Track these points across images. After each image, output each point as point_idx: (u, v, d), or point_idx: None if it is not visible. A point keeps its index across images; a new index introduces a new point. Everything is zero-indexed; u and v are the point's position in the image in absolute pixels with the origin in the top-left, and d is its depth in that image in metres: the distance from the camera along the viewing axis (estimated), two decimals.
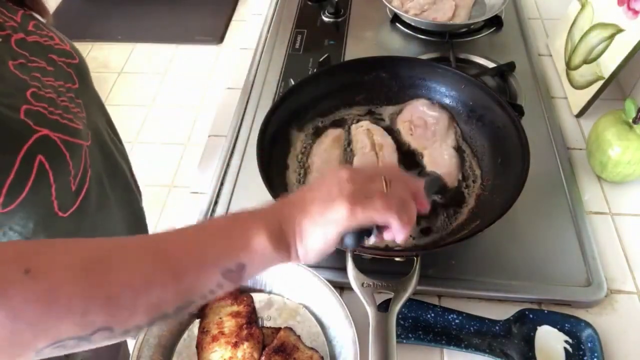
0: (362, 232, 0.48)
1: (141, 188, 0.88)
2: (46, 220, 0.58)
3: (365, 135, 0.82)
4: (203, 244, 0.43)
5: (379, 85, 0.88)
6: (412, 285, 0.60)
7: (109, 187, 0.71)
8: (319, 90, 0.85)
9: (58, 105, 0.58)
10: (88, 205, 0.64)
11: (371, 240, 0.50)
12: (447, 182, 0.75)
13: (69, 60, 0.65)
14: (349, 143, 0.83)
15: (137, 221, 0.84)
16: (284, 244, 0.45)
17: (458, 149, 0.80)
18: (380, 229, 0.49)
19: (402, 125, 0.83)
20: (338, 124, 0.86)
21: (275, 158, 0.77)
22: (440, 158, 0.77)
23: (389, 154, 0.80)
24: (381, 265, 0.65)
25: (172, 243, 0.42)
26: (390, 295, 0.60)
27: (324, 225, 0.46)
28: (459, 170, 0.77)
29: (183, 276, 0.40)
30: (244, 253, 0.43)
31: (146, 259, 0.40)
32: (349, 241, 0.48)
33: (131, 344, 0.82)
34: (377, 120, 0.87)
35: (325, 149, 0.80)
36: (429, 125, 0.81)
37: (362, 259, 0.65)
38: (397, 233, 0.48)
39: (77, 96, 0.64)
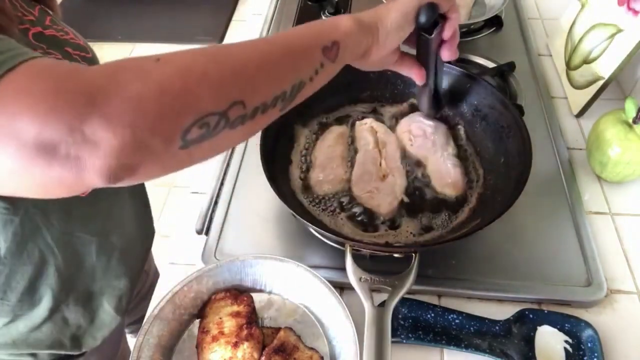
0: (434, 10, 0.59)
1: None
2: (66, 199, 0.59)
3: (369, 133, 0.82)
4: (301, 31, 0.50)
5: (384, 83, 0.88)
6: (409, 282, 0.60)
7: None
8: (324, 86, 0.84)
9: None
10: (103, 188, 0.65)
11: (436, 31, 0.62)
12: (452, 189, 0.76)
13: (83, 54, 0.66)
14: (353, 140, 0.83)
15: (145, 210, 0.85)
16: (367, 27, 0.55)
17: (459, 155, 0.80)
18: (443, 21, 0.62)
19: (401, 136, 0.83)
20: (342, 120, 0.87)
21: (279, 152, 0.78)
22: (443, 167, 0.77)
23: (393, 151, 0.80)
24: (380, 264, 0.66)
25: (276, 36, 0.49)
26: (389, 292, 0.60)
27: (399, 5, 0.57)
28: (464, 179, 0.76)
29: (292, 52, 0.47)
30: (336, 32, 0.51)
31: (259, 43, 0.47)
32: (423, 17, 0.58)
33: (131, 342, 0.82)
34: (381, 118, 0.87)
35: (328, 145, 0.81)
36: (428, 135, 0.80)
37: (362, 256, 0.65)
38: (456, 22, 0.62)
39: None
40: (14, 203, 0.55)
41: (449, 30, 0.63)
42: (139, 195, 0.83)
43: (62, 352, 0.74)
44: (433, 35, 0.62)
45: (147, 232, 0.86)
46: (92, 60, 0.68)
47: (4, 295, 0.62)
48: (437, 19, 0.61)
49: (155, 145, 0.36)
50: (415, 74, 0.68)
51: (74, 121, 0.33)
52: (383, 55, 0.59)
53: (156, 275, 1.07)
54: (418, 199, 0.75)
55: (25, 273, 0.62)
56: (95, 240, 0.68)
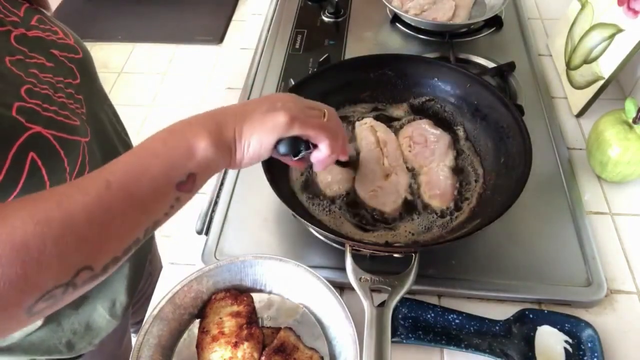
0: (296, 144, 0.53)
1: None
2: None
3: (370, 132, 0.82)
4: (150, 165, 0.44)
5: (384, 83, 0.88)
6: (409, 281, 0.60)
7: None
8: (324, 86, 0.85)
9: (54, 101, 0.57)
10: None
11: (301, 155, 0.55)
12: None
13: (72, 55, 0.64)
14: (351, 140, 0.83)
15: None
16: (225, 147, 0.49)
17: (456, 170, 0.79)
18: (311, 148, 0.55)
19: (402, 141, 0.82)
20: (342, 120, 0.86)
21: None
22: (435, 177, 0.76)
23: (394, 150, 0.80)
24: (380, 264, 0.66)
25: (120, 173, 0.42)
26: (389, 292, 0.60)
27: (261, 131, 0.50)
28: (453, 192, 0.75)
29: (140, 200, 0.42)
30: (191, 162, 0.46)
31: (100, 193, 0.40)
32: (283, 149, 0.53)
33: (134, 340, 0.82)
34: (380, 117, 0.87)
35: None
36: (428, 144, 0.80)
37: (362, 256, 0.65)
38: (323, 156, 0.55)
39: (77, 92, 0.63)
40: None
41: (317, 158, 0.56)
42: None
43: (59, 357, 0.74)
44: (296, 159, 0.57)
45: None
46: (82, 61, 0.66)
47: None
48: (305, 144, 0.55)
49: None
50: (293, 165, 0.66)
51: None
52: (242, 167, 0.54)
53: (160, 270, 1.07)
54: (417, 200, 0.75)
55: None
56: None
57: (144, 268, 0.87)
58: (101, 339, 0.78)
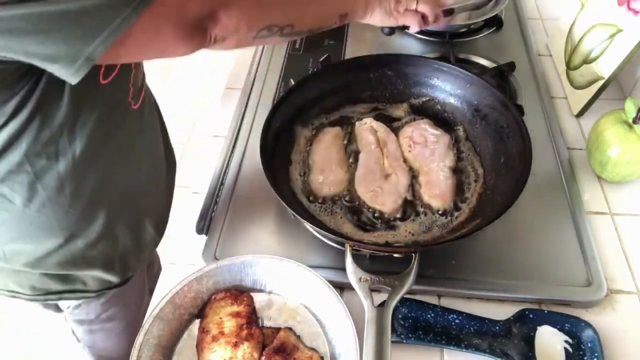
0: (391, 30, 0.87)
1: None
2: (121, 106, 0.68)
3: (370, 132, 0.82)
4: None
5: (384, 83, 0.88)
6: (409, 282, 0.60)
7: (150, 106, 0.81)
8: (324, 86, 0.85)
9: None
10: (144, 106, 0.75)
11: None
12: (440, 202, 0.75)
13: None
14: (352, 141, 0.83)
15: (167, 140, 0.92)
16: (369, 8, 0.76)
17: (456, 170, 0.79)
18: None
19: (402, 141, 0.83)
20: (342, 121, 0.87)
21: (279, 152, 0.78)
22: (435, 178, 0.76)
23: (394, 150, 0.80)
24: (380, 264, 0.66)
25: None
26: (389, 292, 0.60)
27: (385, 16, 0.77)
28: (453, 193, 0.75)
29: (324, 7, 0.71)
30: (350, 6, 0.73)
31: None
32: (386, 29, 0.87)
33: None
34: (380, 117, 0.87)
35: (325, 148, 0.81)
36: (428, 144, 0.80)
37: (362, 256, 0.65)
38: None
39: None
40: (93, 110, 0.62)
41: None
42: (163, 125, 0.90)
43: (112, 277, 0.78)
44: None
45: (171, 160, 0.93)
46: None
47: (72, 203, 0.66)
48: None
49: (241, 32, 0.60)
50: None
51: (214, 11, 0.56)
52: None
53: (159, 269, 1.07)
54: (417, 200, 0.75)
55: (92, 183, 0.67)
56: (144, 157, 0.76)
57: (173, 189, 0.94)
58: (146, 256, 0.85)
